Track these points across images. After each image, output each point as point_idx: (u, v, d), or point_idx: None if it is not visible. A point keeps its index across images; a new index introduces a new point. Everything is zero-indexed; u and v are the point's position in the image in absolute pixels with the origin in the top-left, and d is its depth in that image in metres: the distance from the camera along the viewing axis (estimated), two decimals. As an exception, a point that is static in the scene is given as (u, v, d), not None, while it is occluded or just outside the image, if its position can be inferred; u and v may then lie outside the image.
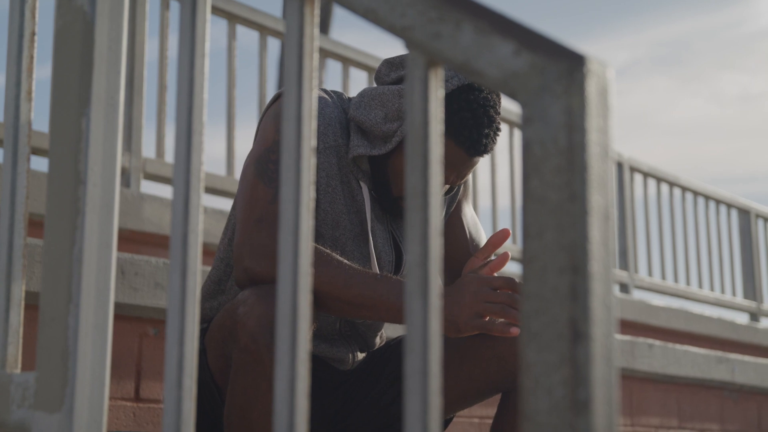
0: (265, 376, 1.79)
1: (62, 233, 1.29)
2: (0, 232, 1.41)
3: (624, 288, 6.06)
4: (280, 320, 1.12)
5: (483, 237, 2.33)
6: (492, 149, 2.06)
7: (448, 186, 2.12)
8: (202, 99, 1.24)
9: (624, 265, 6.10)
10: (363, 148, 2.05)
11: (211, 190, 4.31)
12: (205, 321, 2.13)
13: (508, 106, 5.49)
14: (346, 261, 1.93)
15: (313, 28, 1.18)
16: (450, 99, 2.00)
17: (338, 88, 4.96)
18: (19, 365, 1.38)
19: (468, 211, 2.32)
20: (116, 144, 1.33)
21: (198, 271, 1.22)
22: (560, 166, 0.95)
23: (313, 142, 1.16)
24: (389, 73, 2.10)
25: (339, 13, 11.65)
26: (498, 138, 2.07)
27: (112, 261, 1.31)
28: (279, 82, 12.90)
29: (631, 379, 4.09)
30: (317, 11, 1.18)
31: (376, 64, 5.07)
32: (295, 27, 1.17)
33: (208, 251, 3.67)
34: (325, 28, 12.61)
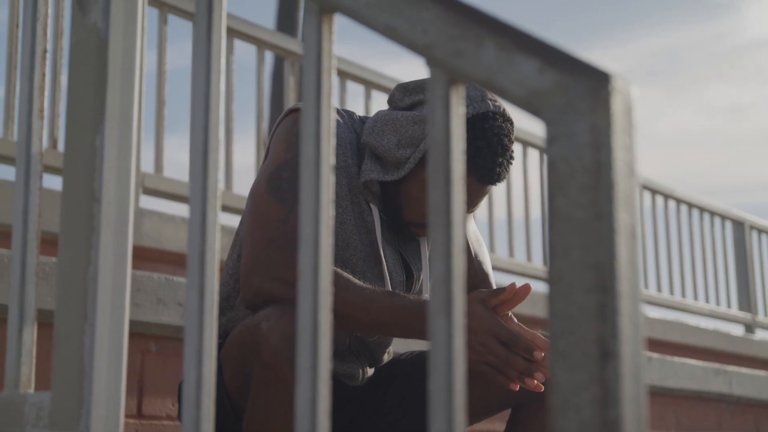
0: (287, 392, 1.79)
1: (77, 252, 1.28)
2: (13, 251, 1.40)
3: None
4: (301, 338, 1.11)
5: (486, 254, 2.32)
6: (505, 178, 2.06)
7: None
8: (218, 116, 1.24)
9: (620, 277, 6.09)
10: (375, 173, 2.05)
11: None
12: (213, 337, 2.12)
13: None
14: (361, 282, 1.93)
15: (331, 45, 1.17)
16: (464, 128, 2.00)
17: (335, 102, 4.96)
18: (33, 385, 1.37)
19: (471, 228, 2.32)
20: (130, 162, 1.33)
21: (215, 290, 1.21)
22: (586, 185, 0.94)
23: (332, 160, 1.15)
24: (403, 98, 2.10)
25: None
26: (511, 167, 2.07)
27: (127, 280, 1.30)
28: (271, 96, 12.89)
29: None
30: (335, 27, 1.18)
31: (373, 78, 5.07)
32: (313, 43, 1.16)
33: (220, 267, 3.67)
34: None
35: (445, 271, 1.04)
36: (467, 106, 2.01)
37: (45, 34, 1.45)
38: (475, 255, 2.29)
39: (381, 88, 5.13)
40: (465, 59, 1.04)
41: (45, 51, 1.44)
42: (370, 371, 2.25)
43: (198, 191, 1.22)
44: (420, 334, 1.91)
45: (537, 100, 0.98)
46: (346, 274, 1.93)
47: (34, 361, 1.37)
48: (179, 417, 2.20)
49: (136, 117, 1.35)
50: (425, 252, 2.20)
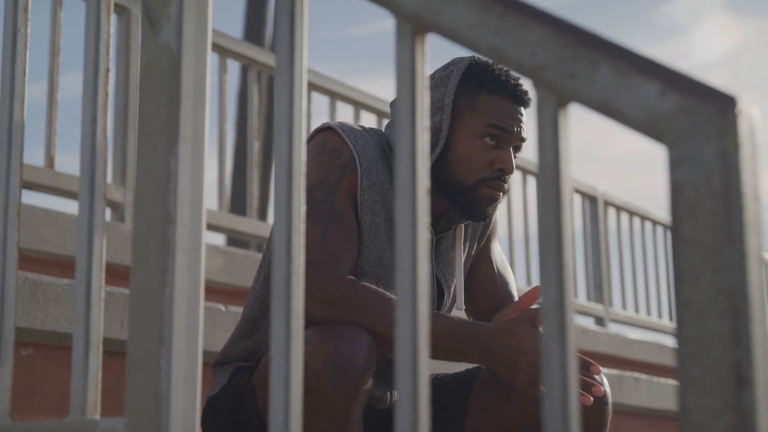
0: (329, 417, 1.75)
1: (152, 275, 1.26)
2: (77, 275, 1.36)
3: (600, 321, 6.07)
4: (400, 364, 1.09)
5: (511, 275, 2.31)
6: (530, 103, 2.05)
7: (496, 204, 2.07)
8: (300, 139, 1.21)
9: (599, 298, 6.11)
10: None
11: (211, 227, 4.29)
12: (240, 360, 2.09)
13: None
14: None
15: (424, 66, 1.16)
16: (472, 71, 2.04)
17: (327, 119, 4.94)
18: (98, 410, 1.34)
19: (496, 249, 2.30)
20: (202, 183, 1.30)
21: (301, 313, 1.19)
22: (716, 209, 0.93)
23: (427, 182, 1.14)
24: None
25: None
26: (530, 93, 2.07)
27: (201, 302, 1.28)
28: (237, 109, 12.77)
29: (619, 414, 4.09)
30: (428, 48, 1.16)
31: (364, 99, 5.06)
32: (406, 64, 1.15)
33: (216, 289, 3.66)
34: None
35: (557, 297, 1.02)
36: (461, 60, 2.06)
37: (107, 53, 1.42)
38: (500, 275, 2.27)
39: (367, 107, 5.12)
40: (578, 81, 1.02)
41: (107, 70, 1.41)
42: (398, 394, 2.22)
43: (283, 216, 1.19)
44: (465, 355, 1.89)
45: (659, 124, 0.97)
46: (387, 294, 1.90)
47: (99, 386, 1.33)
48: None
49: (207, 137, 1.32)
50: (460, 260, 2.16)
